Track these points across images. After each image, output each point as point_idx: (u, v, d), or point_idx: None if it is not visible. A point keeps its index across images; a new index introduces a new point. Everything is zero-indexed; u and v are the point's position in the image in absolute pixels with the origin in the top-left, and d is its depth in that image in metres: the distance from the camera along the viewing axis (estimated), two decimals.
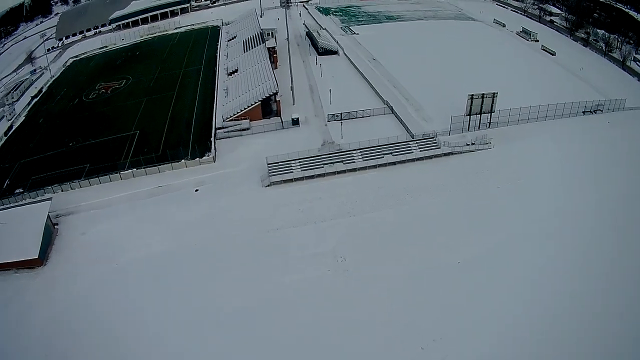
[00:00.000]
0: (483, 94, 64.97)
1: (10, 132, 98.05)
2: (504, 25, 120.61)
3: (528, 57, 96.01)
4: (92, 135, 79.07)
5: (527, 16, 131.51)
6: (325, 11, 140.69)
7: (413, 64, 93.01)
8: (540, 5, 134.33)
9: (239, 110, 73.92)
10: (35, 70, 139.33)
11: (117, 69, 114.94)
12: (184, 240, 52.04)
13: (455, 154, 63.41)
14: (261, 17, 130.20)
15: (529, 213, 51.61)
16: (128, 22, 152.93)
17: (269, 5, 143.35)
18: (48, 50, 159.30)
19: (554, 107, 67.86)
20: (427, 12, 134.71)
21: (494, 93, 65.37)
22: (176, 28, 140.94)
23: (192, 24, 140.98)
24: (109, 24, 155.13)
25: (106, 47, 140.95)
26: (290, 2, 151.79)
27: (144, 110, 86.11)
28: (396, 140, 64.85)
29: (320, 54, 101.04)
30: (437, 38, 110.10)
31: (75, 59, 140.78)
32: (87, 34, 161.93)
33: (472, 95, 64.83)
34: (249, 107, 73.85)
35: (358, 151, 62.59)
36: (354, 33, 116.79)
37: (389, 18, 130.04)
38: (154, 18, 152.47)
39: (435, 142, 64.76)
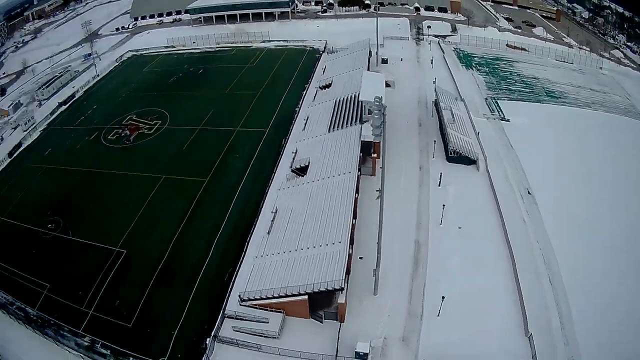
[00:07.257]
0: None
1: (17, 152, 75.63)
2: None
3: None
4: (76, 225, 54.84)
5: None
6: (467, 60, 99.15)
7: (586, 220, 51.32)
8: None
9: (271, 296, 39.86)
10: (89, 55, 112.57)
11: (162, 95, 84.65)
12: None
13: None
14: (381, 46, 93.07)
15: None
16: (211, 17, 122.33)
17: (394, 33, 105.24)
18: (117, 29, 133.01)
19: None
20: (592, 93, 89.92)
21: None
22: (264, 41, 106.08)
23: (287, 40, 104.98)
24: (190, 14, 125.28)
25: (173, 47, 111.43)
26: (422, 35, 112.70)
27: (150, 204, 55.54)
28: None
29: (450, 159, 62.47)
30: (607, 154, 65.31)
31: (135, 53, 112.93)
32: (165, 19, 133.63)
33: None
34: (287, 295, 39.48)
35: None
36: (504, 118, 76.20)
37: (549, 94, 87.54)
38: (244, 18, 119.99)
39: None
